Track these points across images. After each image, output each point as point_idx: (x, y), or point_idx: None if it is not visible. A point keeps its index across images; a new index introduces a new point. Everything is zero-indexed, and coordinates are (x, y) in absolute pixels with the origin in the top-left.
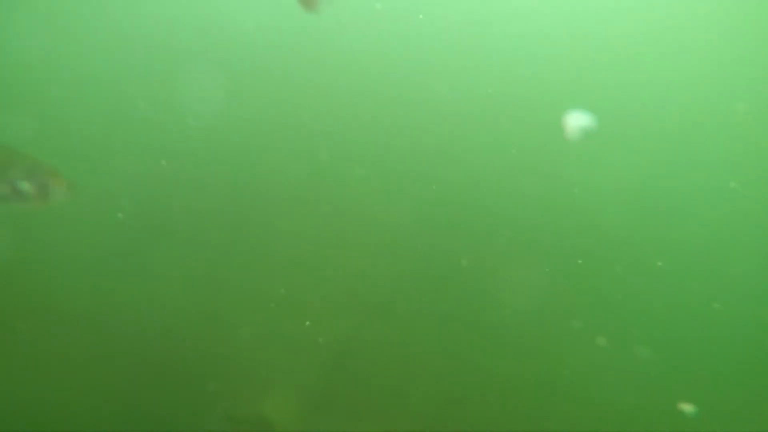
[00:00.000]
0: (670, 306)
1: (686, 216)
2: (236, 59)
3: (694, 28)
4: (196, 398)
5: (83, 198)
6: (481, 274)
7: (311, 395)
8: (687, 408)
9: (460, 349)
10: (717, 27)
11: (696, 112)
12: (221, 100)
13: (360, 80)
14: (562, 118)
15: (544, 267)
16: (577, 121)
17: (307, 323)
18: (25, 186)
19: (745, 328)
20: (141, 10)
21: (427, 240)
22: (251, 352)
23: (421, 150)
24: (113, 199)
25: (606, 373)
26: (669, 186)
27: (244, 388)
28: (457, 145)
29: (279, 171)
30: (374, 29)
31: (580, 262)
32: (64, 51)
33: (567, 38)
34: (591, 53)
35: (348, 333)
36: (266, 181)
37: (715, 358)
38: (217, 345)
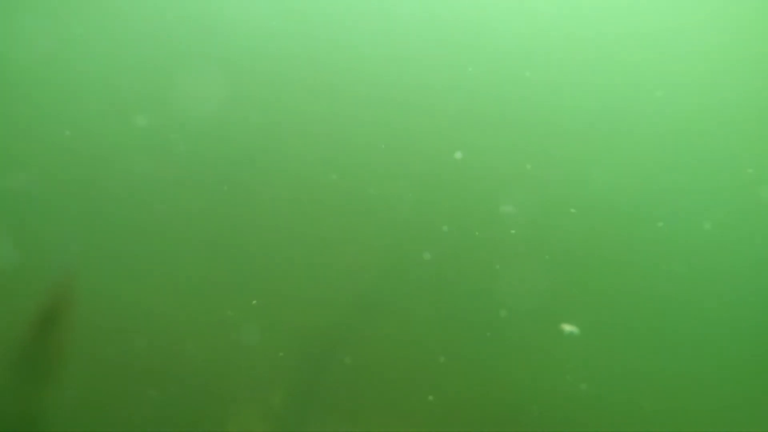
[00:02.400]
0: (672, 306)
1: (688, 216)
2: (237, 59)
3: (695, 28)
4: (192, 398)
5: (83, 197)
6: (479, 272)
7: (305, 394)
8: (568, 328)
9: (458, 349)
10: (718, 27)
11: (697, 111)
12: (221, 99)
13: (361, 81)
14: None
15: (542, 264)
16: None
17: (254, 302)
18: None
19: (748, 330)
20: (141, 10)
21: (427, 237)
22: (249, 350)
23: (421, 149)
24: (113, 198)
25: (604, 373)
26: (671, 185)
27: (240, 387)
28: (458, 145)
29: (279, 170)
30: (378, 29)
31: (577, 259)
32: (64, 50)
33: (567, 38)
34: (592, 54)
35: (346, 331)
36: (266, 180)
37: (717, 360)
38: (214, 343)
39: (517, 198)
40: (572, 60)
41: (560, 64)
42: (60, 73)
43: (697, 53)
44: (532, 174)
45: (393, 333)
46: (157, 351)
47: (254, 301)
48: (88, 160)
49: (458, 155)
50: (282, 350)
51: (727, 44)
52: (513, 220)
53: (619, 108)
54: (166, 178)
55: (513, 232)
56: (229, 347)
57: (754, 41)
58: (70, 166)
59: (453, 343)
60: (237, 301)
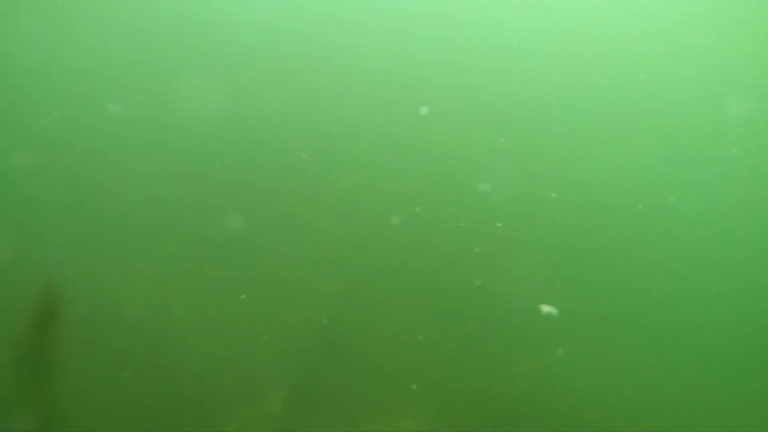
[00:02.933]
0: (671, 302)
1: (687, 213)
2: (238, 57)
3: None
4: (196, 395)
5: (86, 196)
6: (481, 268)
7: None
8: (547, 309)
9: (459, 346)
10: (717, 25)
11: (697, 109)
12: (222, 97)
13: (361, 79)
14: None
15: (544, 261)
16: None
17: (242, 296)
18: None
19: (748, 329)
20: (143, 9)
21: (430, 233)
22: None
23: (421, 146)
24: (116, 196)
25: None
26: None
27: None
28: (458, 142)
29: (279, 168)
30: (378, 28)
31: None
32: (66, 49)
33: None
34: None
35: (349, 327)
36: (267, 178)
37: (716, 358)
38: (218, 340)
39: (497, 181)
40: (557, 45)
41: (546, 48)
42: (60, 71)
43: (684, 40)
44: (517, 164)
45: (373, 315)
46: (145, 344)
47: (243, 296)
48: (85, 155)
49: (424, 110)
50: (266, 335)
51: (711, 30)
52: (493, 204)
53: (601, 90)
54: (159, 173)
55: (499, 225)
56: (219, 333)
57: (736, 30)
58: (68, 161)
59: (431, 327)
60: (224, 289)
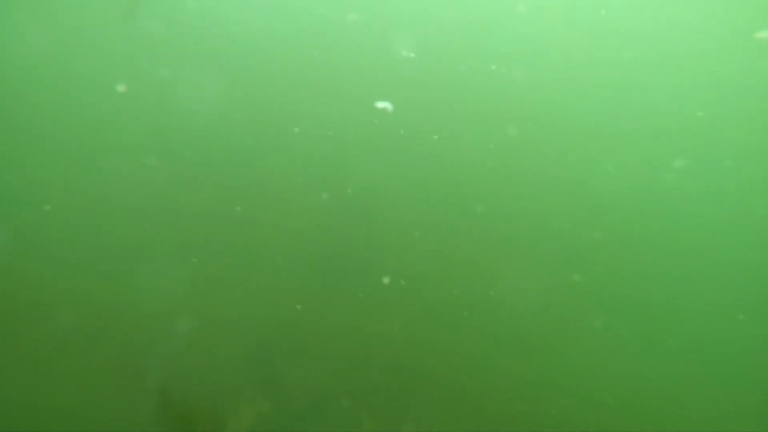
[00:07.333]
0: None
1: (690, 212)
2: (237, 57)
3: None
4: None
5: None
6: (481, 270)
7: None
8: (381, 105)
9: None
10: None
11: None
12: (221, 97)
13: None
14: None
15: (541, 264)
16: None
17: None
18: None
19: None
20: (144, 8)
21: (433, 235)
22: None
23: (421, 146)
24: (114, 197)
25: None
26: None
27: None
28: (457, 141)
29: (279, 169)
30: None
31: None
32: (64, 48)
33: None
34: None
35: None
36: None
37: (724, 362)
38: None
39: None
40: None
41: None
42: (59, 72)
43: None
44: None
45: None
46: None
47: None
48: (85, 158)
49: (436, 137)
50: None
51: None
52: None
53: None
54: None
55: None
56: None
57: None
58: (70, 164)
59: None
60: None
